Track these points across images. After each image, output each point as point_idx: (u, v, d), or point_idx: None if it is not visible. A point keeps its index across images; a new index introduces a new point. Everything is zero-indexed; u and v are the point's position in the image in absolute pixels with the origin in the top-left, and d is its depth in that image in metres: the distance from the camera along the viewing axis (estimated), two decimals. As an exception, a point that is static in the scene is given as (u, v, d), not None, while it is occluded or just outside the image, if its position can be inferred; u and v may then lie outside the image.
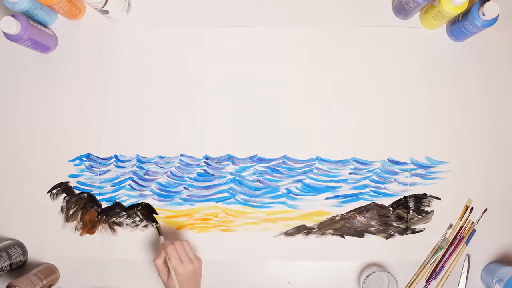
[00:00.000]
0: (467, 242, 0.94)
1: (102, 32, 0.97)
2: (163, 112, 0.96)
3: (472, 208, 0.94)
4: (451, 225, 0.94)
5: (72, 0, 0.90)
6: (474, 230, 0.94)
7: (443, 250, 0.93)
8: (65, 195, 0.96)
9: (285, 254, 0.95)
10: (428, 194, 0.95)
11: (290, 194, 0.96)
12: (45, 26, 0.94)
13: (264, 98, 0.96)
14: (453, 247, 0.94)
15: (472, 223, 0.94)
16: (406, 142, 0.95)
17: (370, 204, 0.95)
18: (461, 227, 0.93)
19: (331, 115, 0.96)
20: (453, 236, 0.94)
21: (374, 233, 0.95)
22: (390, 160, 0.95)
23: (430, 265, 0.94)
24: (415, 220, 0.95)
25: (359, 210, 0.95)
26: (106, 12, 0.91)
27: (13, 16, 0.85)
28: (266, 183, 0.96)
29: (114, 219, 0.95)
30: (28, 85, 0.96)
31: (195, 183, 0.96)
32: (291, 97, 0.96)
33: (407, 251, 0.95)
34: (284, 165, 0.96)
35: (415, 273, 0.94)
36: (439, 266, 0.94)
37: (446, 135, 0.95)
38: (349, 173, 0.95)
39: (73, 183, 0.96)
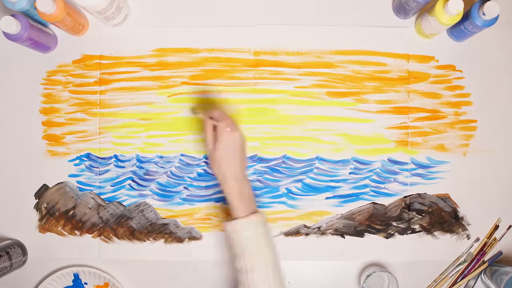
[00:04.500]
0: (490, 262, 0.93)
1: (102, 32, 0.97)
2: (163, 111, 0.96)
3: (498, 226, 0.94)
4: (477, 239, 0.94)
5: (75, 17, 0.90)
6: (500, 252, 0.94)
7: (466, 264, 0.94)
8: (65, 195, 0.96)
9: (285, 254, 0.95)
10: (428, 194, 0.95)
11: (290, 194, 0.95)
12: (45, 26, 0.94)
13: (264, 98, 0.96)
14: (474, 261, 0.94)
15: (495, 239, 0.94)
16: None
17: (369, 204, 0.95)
18: (485, 243, 0.94)
19: (331, 115, 0.96)
20: (476, 251, 0.94)
21: (374, 233, 0.95)
22: (390, 160, 0.95)
23: (452, 276, 0.94)
24: (415, 220, 0.95)
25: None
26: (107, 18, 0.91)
27: (13, 15, 0.85)
28: (266, 183, 0.96)
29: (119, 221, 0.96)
30: (28, 85, 0.96)
31: (195, 183, 0.96)
32: (291, 97, 0.96)
33: (407, 251, 0.95)
34: (284, 165, 0.96)
35: (435, 280, 0.94)
36: (460, 278, 0.94)
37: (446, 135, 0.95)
38: (349, 173, 0.95)
39: (73, 183, 0.96)
